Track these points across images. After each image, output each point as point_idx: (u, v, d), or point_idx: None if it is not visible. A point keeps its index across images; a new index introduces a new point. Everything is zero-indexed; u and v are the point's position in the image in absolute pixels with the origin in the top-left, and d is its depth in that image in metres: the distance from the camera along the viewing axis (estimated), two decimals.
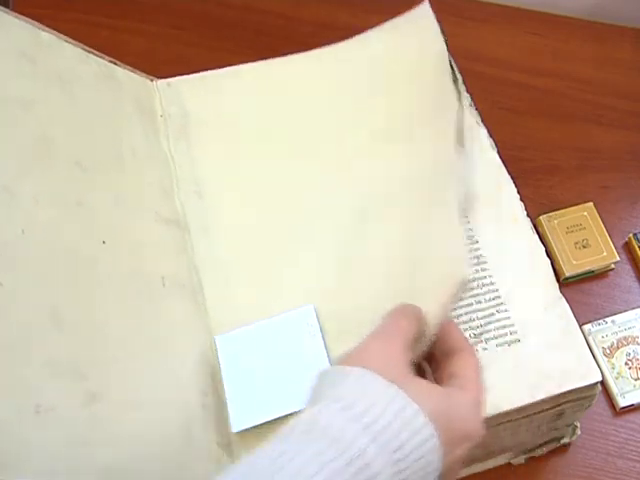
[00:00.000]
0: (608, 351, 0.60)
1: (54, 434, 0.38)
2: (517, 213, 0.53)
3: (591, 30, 0.75)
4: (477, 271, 0.51)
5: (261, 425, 0.45)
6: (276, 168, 0.54)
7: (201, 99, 0.57)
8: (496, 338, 0.49)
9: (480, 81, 0.60)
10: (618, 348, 0.60)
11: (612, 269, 0.64)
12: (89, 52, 0.53)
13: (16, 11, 0.74)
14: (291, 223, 0.52)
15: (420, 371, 0.40)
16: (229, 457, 0.46)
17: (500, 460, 0.56)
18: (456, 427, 0.36)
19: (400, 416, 0.34)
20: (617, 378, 0.59)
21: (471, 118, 0.57)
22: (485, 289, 0.50)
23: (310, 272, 0.50)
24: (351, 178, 0.52)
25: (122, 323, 0.45)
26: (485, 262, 0.51)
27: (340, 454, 0.32)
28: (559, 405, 0.49)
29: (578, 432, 0.56)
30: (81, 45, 0.53)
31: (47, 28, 0.50)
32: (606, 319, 0.61)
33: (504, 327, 0.49)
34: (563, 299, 0.50)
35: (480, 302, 0.50)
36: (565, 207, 0.65)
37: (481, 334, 0.49)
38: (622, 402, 0.58)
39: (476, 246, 0.52)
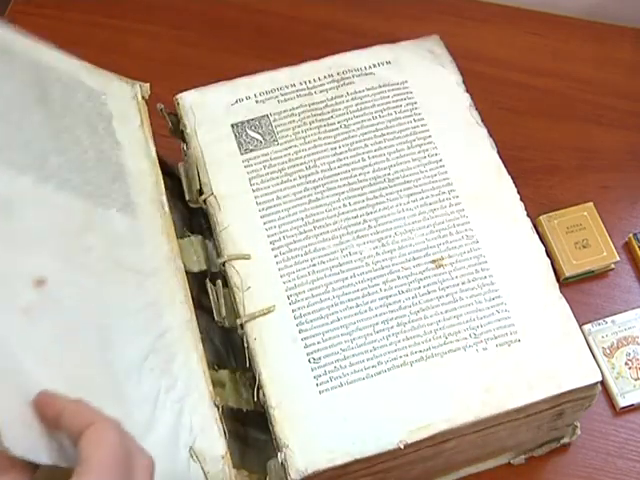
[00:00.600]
0: (608, 351, 0.60)
1: None
2: (517, 213, 0.53)
3: (591, 30, 0.75)
4: (477, 271, 0.51)
5: None
6: None
7: None
8: (496, 338, 0.49)
9: (480, 81, 0.60)
10: (618, 348, 0.60)
11: (612, 269, 0.64)
12: None
13: (16, 11, 0.75)
14: None
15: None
16: None
17: (500, 460, 0.56)
18: None
19: None
20: (617, 378, 0.59)
21: (471, 118, 0.57)
22: (485, 289, 0.50)
23: None
24: None
25: None
26: (485, 262, 0.51)
27: None
28: (559, 405, 0.49)
29: (578, 432, 0.56)
30: None
31: None
32: (606, 319, 0.61)
33: (504, 327, 0.49)
34: (563, 299, 0.50)
35: (480, 302, 0.50)
36: (565, 207, 0.65)
37: (481, 334, 0.49)
38: (622, 402, 0.58)
39: (476, 246, 0.52)
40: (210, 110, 0.57)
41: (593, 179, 0.68)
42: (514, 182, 0.54)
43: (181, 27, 0.75)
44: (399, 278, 0.51)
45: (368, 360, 0.48)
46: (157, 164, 0.55)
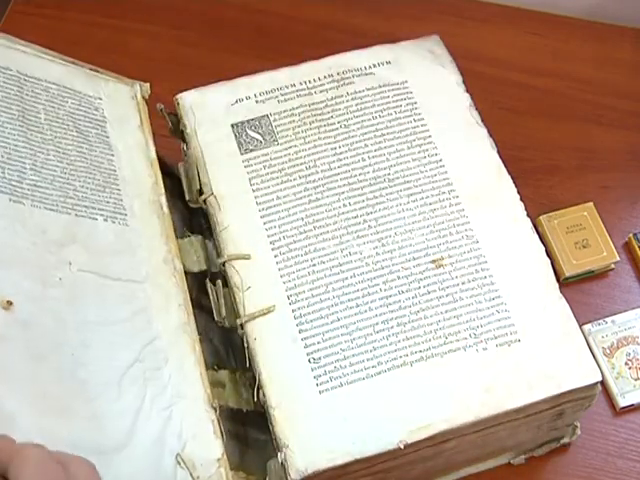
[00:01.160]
0: (608, 351, 0.60)
1: None
2: (517, 213, 0.53)
3: (591, 30, 0.75)
4: (477, 271, 0.51)
5: None
6: None
7: None
8: (496, 338, 0.49)
9: (480, 81, 0.60)
10: (618, 348, 0.60)
11: (612, 269, 0.64)
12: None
13: (16, 11, 0.75)
14: None
15: None
16: None
17: (500, 460, 0.56)
18: None
19: None
20: (617, 378, 0.59)
21: (471, 118, 0.57)
22: (485, 289, 0.50)
23: None
24: None
25: None
26: (485, 262, 0.51)
27: None
28: (559, 405, 0.49)
29: (578, 432, 0.56)
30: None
31: None
32: (606, 319, 0.61)
33: (504, 327, 0.49)
34: (563, 299, 0.50)
35: (480, 302, 0.50)
36: (565, 207, 0.65)
37: (481, 334, 0.49)
38: (622, 402, 0.58)
39: (476, 246, 0.52)
40: (210, 110, 0.57)
41: (593, 179, 0.68)
42: (514, 182, 0.54)
43: (181, 27, 0.75)
44: (399, 278, 0.51)
45: (368, 360, 0.48)
46: (157, 164, 0.55)
